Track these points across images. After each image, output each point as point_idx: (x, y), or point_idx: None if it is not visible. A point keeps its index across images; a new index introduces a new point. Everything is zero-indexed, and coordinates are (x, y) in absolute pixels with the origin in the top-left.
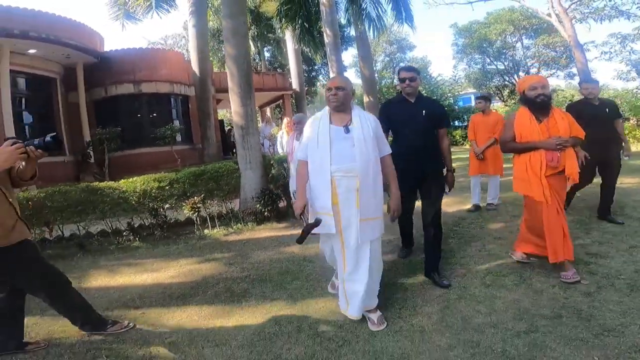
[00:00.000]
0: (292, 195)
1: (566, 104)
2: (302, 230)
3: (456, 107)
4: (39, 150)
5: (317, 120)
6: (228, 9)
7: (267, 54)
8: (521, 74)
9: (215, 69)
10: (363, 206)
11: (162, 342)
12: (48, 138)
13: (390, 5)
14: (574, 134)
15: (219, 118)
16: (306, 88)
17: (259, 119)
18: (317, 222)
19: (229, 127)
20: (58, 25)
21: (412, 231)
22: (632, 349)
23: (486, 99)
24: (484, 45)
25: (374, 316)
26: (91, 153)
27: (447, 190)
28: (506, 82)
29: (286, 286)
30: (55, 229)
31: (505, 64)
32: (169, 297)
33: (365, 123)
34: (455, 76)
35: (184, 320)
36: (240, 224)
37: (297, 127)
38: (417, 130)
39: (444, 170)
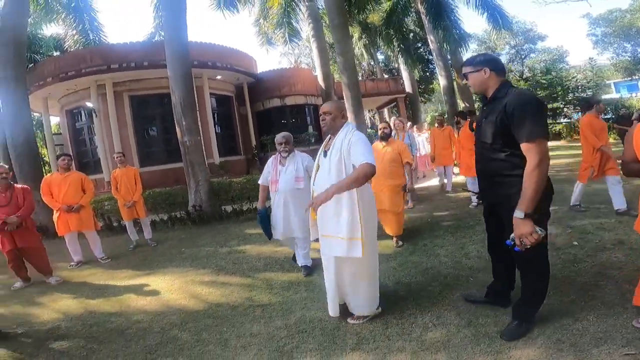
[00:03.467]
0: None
1: None
2: None
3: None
4: None
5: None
6: (340, 49)
7: (381, 57)
8: None
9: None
10: (321, 223)
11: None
12: None
13: (485, 15)
14: None
15: None
16: (422, 87)
17: (377, 119)
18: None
19: None
20: (233, 55)
21: (511, 271)
22: None
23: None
24: (632, 32)
25: (352, 320)
26: (257, 153)
27: (511, 241)
28: None
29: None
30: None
31: None
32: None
33: (338, 145)
34: (593, 65)
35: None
36: None
37: (283, 149)
38: (478, 146)
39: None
